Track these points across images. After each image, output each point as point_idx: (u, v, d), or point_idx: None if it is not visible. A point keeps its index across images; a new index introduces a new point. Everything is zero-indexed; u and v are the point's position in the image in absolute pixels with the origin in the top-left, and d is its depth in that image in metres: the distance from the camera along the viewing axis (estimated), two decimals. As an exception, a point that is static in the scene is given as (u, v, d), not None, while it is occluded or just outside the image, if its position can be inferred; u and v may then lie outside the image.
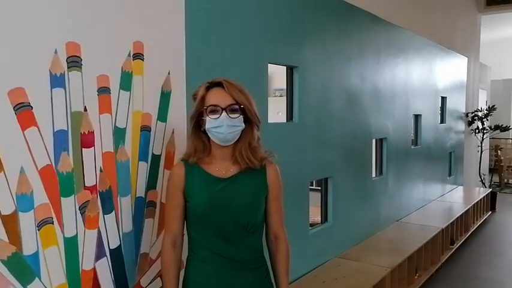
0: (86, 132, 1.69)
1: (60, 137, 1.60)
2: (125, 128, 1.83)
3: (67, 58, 1.61)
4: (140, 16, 1.88)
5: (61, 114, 1.60)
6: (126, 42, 1.81)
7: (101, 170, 1.75)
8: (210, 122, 1.58)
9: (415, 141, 5.08)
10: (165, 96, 2.00)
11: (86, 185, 1.69)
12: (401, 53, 4.46)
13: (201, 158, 1.66)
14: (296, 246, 2.56)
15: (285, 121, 2.99)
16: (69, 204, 1.64)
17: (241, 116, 1.60)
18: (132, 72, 1.84)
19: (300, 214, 2.99)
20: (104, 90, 1.74)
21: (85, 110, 1.68)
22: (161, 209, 2.01)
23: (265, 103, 2.56)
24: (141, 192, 1.92)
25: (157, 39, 1.96)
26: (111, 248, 1.81)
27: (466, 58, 6.69)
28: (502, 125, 7.04)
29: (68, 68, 1.62)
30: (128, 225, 1.88)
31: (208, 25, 2.23)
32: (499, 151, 8.89)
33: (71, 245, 1.66)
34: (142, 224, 1.94)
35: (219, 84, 1.61)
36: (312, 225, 3.29)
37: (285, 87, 5.17)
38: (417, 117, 5.04)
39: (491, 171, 9.11)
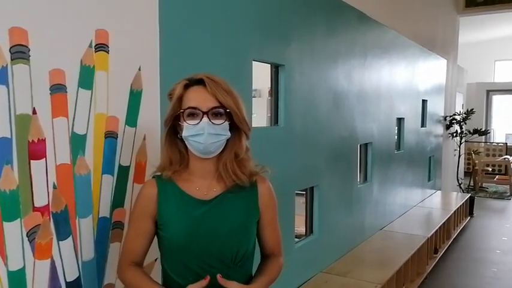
0: (35, 140, 1.36)
1: (1, 147, 1.27)
2: (85, 135, 1.51)
3: (10, 48, 1.29)
4: (105, -1, 1.56)
5: (3, 118, 1.27)
6: (86, 30, 1.49)
7: (54, 187, 1.42)
8: (188, 129, 1.28)
9: (398, 146, 4.90)
10: (134, 96, 1.68)
11: (35, 205, 1.37)
12: (386, 53, 4.26)
13: (178, 171, 1.36)
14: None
15: (269, 125, 2.72)
16: (13, 230, 1.32)
17: (227, 123, 1.30)
18: (94, 66, 1.52)
19: (285, 227, 2.71)
20: (58, 89, 1.41)
21: (34, 112, 1.35)
22: (130, 230, 1.70)
23: (250, 105, 2.27)
24: (105, 211, 1.60)
25: (126, 27, 1.64)
26: (67, 280, 1.49)
27: (446, 60, 6.59)
28: (480, 129, 6.98)
29: (12, 60, 1.29)
30: (88, 252, 1.55)
31: (186, 15, 1.93)
32: (473, 155, 8.89)
33: (17, 281, 1.34)
34: (106, 249, 1.62)
35: (200, 82, 1.30)
36: (295, 236, 3.03)
37: (258, 87, 4.96)
38: (400, 120, 4.86)
39: (465, 174, 9.12)
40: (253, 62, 2.38)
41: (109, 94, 1.58)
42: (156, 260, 1.75)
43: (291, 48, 2.69)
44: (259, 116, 3.49)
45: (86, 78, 1.49)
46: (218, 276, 1.28)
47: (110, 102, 1.59)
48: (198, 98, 1.28)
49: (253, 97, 4.92)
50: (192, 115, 1.28)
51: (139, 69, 1.70)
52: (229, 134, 1.32)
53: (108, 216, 1.61)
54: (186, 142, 1.32)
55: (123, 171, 1.66)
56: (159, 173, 1.38)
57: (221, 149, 1.34)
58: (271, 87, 2.67)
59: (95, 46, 1.52)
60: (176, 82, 1.37)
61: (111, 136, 1.60)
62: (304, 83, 2.85)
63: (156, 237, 1.40)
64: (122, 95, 1.63)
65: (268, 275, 1.41)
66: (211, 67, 2.03)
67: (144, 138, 1.74)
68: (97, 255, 1.58)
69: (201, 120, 1.27)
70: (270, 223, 1.44)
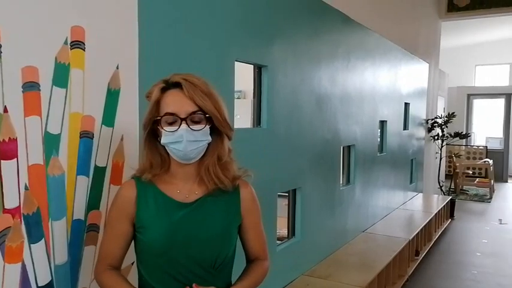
0: (6, 140, 1.31)
1: (-32, 146, 1.22)
2: (59, 134, 1.46)
3: (-20, 43, 1.23)
4: (81, -5, 1.51)
5: (-30, 116, 1.22)
6: (62, 26, 1.44)
7: (26, 188, 1.37)
8: (166, 136, 1.24)
9: (381, 148, 4.92)
10: (112, 96, 1.64)
11: (5, 207, 1.32)
12: (370, 56, 4.27)
13: (158, 174, 1.32)
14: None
15: (252, 126, 2.69)
16: (-19, 233, 1.27)
17: (207, 127, 1.26)
18: (69, 64, 1.47)
19: (267, 229, 2.67)
20: (31, 86, 1.36)
21: (5, 111, 1.30)
22: (106, 233, 1.65)
23: (232, 106, 2.24)
24: (79, 213, 1.55)
25: (103, 24, 1.59)
26: (39, 285, 1.44)
27: (428, 64, 6.65)
28: (461, 132, 7.06)
29: (-19, 55, 1.24)
30: (62, 256, 1.50)
31: (167, 12, 1.89)
32: (454, 157, 8.99)
33: (-16, 286, 1.29)
34: (81, 252, 1.57)
35: (177, 85, 1.25)
36: (277, 239, 3.00)
37: (242, 88, 4.92)
38: (383, 123, 4.89)
39: (446, 177, 9.22)
40: (236, 62, 2.35)
41: (85, 93, 1.53)
42: (132, 263, 1.70)
43: (274, 49, 2.67)
44: (243, 118, 3.47)
45: (61, 76, 1.44)
46: (194, 285, 1.24)
47: (86, 101, 1.54)
48: (175, 103, 1.24)
49: (238, 98, 4.91)
50: (169, 122, 1.24)
51: (117, 68, 1.65)
52: (209, 138, 1.28)
53: (83, 219, 1.56)
54: (166, 148, 1.29)
55: (99, 172, 1.61)
56: (139, 175, 1.34)
57: (202, 154, 1.30)
58: (254, 88, 2.64)
59: (71, 43, 1.47)
60: (154, 82, 1.33)
61: (86, 136, 1.55)
62: (287, 85, 2.83)
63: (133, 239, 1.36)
64: (98, 93, 1.59)
65: (250, 278, 1.38)
66: (192, 67, 2.00)
67: (122, 139, 1.69)
68: (71, 259, 1.53)
69: (179, 127, 1.22)
70: (254, 227, 1.41)
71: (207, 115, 1.24)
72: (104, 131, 1.61)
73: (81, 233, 1.56)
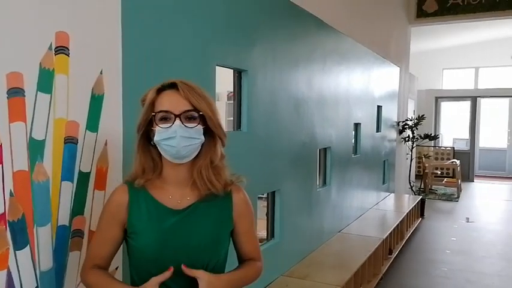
0: (-9, 146, 1.30)
1: (-48, 153, 1.20)
2: (43, 140, 1.45)
3: (-36, 48, 1.22)
4: (66, 0, 1.51)
5: (-46, 123, 1.21)
6: (46, 32, 1.44)
7: (11, 194, 1.36)
8: (160, 133, 1.25)
9: (355, 150, 5.02)
10: (96, 101, 1.64)
11: (-10, 214, 1.30)
12: (344, 60, 4.37)
13: (151, 180, 1.32)
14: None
15: (232, 129, 2.71)
16: (-35, 241, 1.25)
17: (201, 126, 1.28)
18: (53, 69, 1.46)
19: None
20: (15, 92, 1.35)
21: (-11, 116, 1.29)
22: (90, 238, 1.64)
23: (213, 110, 2.26)
24: (64, 219, 1.54)
25: (87, 30, 1.59)
26: (24, 292, 1.42)
27: (399, 68, 6.83)
28: (430, 134, 7.27)
29: (-34, 61, 1.23)
30: (47, 262, 1.49)
31: (149, 18, 1.90)
32: (423, 158, 9.23)
33: (-32, 295, 1.27)
34: (65, 258, 1.56)
35: (173, 86, 1.28)
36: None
37: (218, 91, 4.94)
38: (357, 125, 4.99)
39: (416, 177, 9.46)
40: (216, 67, 2.38)
41: (69, 98, 1.53)
42: (117, 268, 1.71)
43: (254, 53, 2.70)
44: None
45: (45, 82, 1.44)
46: (183, 266, 1.25)
47: (70, 107, 1.53)
48: (170, 101, 1.26)
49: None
50: (164, 119, 1.26)
51: (101, 73, 1.65)
52: (203, 138, 1.29)
53: (68, 225, 1.56)
54: (158, 147, 1.29)
55: (84, 177, 1.61)
56: (131, 180, 1.34)
57: (195, 154, 1.31)
58: (234, 92, 2.67)
59: (55, 49, 1.46)
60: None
61: (71, 141, 1.55)
62: (266, 89, 2.87)
63: (124, 243, 1.37)
64: (82, 99, 1.58)
65: (242, 271, 1.39)
66: (175, 72, 2.01)
67: (106, 144, 1.69)
68: (56, 265, 1.52)
69: (173, 123, 1.24)
70: (247, 232, 1.42)
71: (200, 113, 1.26)
72: (88, 137, 1.61)
73: (66, 239, 1.56)
